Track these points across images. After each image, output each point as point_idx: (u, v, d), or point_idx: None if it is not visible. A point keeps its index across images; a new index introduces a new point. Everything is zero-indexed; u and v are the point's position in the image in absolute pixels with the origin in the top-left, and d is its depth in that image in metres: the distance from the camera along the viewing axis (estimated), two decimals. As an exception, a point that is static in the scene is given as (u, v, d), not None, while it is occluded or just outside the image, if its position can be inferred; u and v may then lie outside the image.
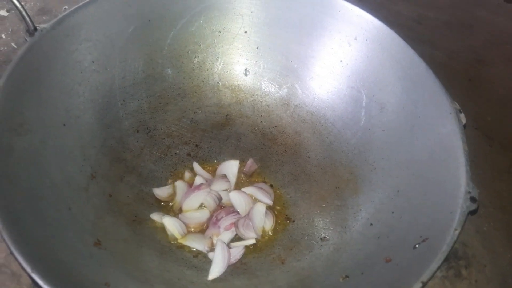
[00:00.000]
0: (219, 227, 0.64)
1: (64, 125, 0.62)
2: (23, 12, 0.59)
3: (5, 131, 0.52)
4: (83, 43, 0.65)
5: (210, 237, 0.64)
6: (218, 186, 0.68)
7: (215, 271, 0.59)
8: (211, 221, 0.65)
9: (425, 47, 1.08)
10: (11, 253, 0.42)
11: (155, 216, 0.65)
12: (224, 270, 0.60)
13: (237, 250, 0.62)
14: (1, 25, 1.01)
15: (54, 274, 0.44)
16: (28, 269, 0.41)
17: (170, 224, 0.63)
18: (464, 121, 0.58)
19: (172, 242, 0.63)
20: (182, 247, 0.63)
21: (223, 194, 0.67)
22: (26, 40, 0.59)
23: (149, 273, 0.56)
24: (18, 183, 0.51)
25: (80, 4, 0.65)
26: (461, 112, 0.59)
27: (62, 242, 0.51)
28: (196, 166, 0.71)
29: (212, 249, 0.62)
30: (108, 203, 0.63)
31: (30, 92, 0.58)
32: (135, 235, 0.62)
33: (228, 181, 0.69)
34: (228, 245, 0.63)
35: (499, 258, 0.68)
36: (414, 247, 0.52)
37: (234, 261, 0.61)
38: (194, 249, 0.62)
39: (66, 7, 1.05)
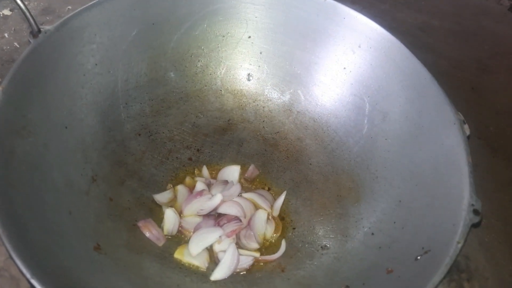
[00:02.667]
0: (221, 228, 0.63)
1: (66, 127, 0.62)
2: (27, 14, 0.59)
3: (7, 133, 0.52)
4: (87, 46, 0.65)
5: (208, 250, 0.63)
6: (219, 191, 0.67)
7: (220, 273, 0.59)
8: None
9: (428, 55, 1.07)
10: (11, 258, 0.42)
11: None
12: (228, 275, 0.59)
13: (246, 259, 0.62)
14: (4, 24, 1.01)
15: (54, 280, 0.44)
16: (28, 275, 0.41)
17: (169, 218, 0.64)
18: (468, 132, 0.58)
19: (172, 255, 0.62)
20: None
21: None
22: (29, 41, 0.59)
23: (149, 279, 0.56)
24: (19, 187, 0.50)
25: (84, 6, 0.64)
26: (465, 123, 0.58)
27: (62, 247, 0.51)
28: (205, 170, 0.71)
29: (211, 264, 0.62)
30: (108, 207, 0.62)
31: (32, 94, 0.57)
32: (135, 240, 0.61)
33: (228, 185, 0.69)
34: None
35: (502, 271, 0.67)
36: (416, 258, 0.51)
37: (240, 269, 0.61)
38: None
39: (70, 7, 1.05)
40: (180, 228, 0.65)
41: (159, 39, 0.73)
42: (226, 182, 0.69)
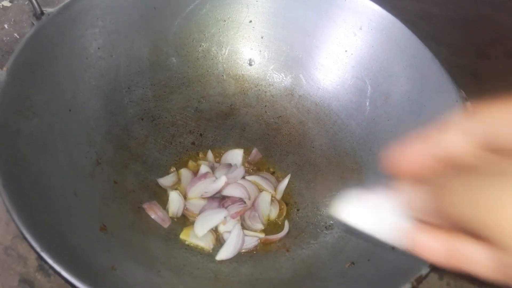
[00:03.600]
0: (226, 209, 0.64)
1: (70, 110, 0.62)
2: (30, -4, 0.59)
3: (13, 113, 0.52)
4: (89, 29, 0.65)
5: (214, 232, 0.63)
6: (223, 173, 0.68)
7: (226, 253, 0.59)
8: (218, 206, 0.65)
9: (428, 42, 1.07)
10: (20, 233, 0.42)
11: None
12: (233, 255, 0.60)
13: (251, 240, 0.62)
14: (4, 15, 1.00)
15: (63, 255, 0.44)
16: (38, 248, 0.41)
17: (174, 201, 0.64)
18: (470, 109, 0.58)
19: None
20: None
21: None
22: (32, 23, 0.59)
23: (155, 259, 0.56)
24: (26, 166, 0.51)
25: (87, -10, 0.64)
26: (467, 100, 0.59)
27: (69, 226, 0.51)
28: (209, 154, 0.72)
29: (216, 245, 0.62)
30: (113, 190, 0.63)
31: (36, 75, 0.57)
32: (140, 222, 0.62)
33: (232, 167, 0.69)
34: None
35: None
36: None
37: (245, 249, 0.62)
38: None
39: (69, -2, 1.05)
40: (185, 211, 0.65)
41: (160, 23, 0.73)
42: (229, 165, 0.70)
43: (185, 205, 0.65)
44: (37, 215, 0.47)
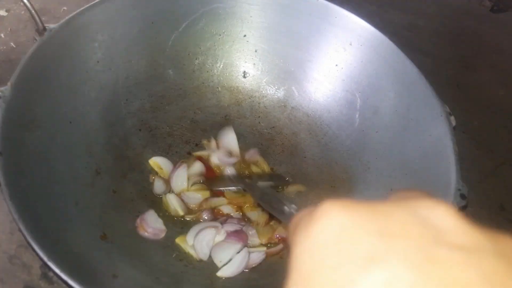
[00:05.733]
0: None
1: (71, 122, 0.64)
2: (33, 12, 0.61)
3: (18, 127, 0.54)
4: (89, 44, 0.67)
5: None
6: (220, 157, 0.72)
7: (229, 271, 0.61)
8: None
9: (415, 54, 1.11)
10: (27, 242, 0.44)
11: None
12: (237, 274, 0.61)
13: (258, 255, 0.63)
14: (0, 25, 1.02)
15: (67, 264, 0.46)
16: (45, 258, 0.43)
17: (172, 200, 0.67)
18: (454, 123, 0.61)
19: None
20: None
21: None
22: (35, 39, 0.61)
23: (154, 266, 0.58)
24: (30, 178, 0.53)
25: (87, 5, 0.67)
26: (451, 115, 0.62)
27: (72, 235, 0.54)
28: (213, 142, 0.76)
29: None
30: (112, 199, 0.65)
31: (39, 89, 0.60)
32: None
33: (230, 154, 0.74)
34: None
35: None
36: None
37: (254, 264, 0.63)
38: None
39: (65, 8, 1.06)
40: (185, 205, 0.68)
41: (158, 37, 0.76)
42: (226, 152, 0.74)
43: (183, 200, 0.68)
44: (41, 226, 0.49)
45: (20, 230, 0.44)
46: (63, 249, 0.49)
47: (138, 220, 0.64)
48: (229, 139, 0.76)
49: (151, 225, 0.64)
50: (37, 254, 0.43)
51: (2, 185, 0.46)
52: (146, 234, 0.63)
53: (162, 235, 0.65)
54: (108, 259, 0.55)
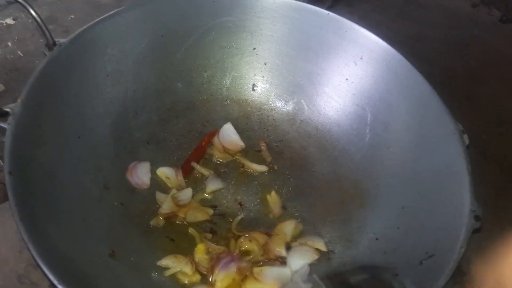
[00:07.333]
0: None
1: (79, 137, 0.63)
2: (43, 27, 0.60)
3: (27, 143, 0.54)
4: (99, 58, 0.67)
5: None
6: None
7: None
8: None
9: (423, 64, 1.10)
10: (37, 264, 0.43)
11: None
12: None
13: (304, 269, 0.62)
14: (8, 33, 1.01)
15: (77, 285, 0.45)
16: (55, 281, 0.42)
17: (161, 198, 0.68)
18: (467, 142, 0.61)
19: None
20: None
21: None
22: (45, 54, 0.61)
23: (163, 285, 0.58)
24: (39, 196, 0.52)
25: (97, 19, 0.66)
26: (464, 133, 0.61)
27: (80, 253, 0.53)
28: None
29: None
30: (120, 214, 0.64)
31: (48, 105, 0.59)
32: (146, 246, 0.63)
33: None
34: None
35: (501, 274, 0.70)
36: (421, 262, 0.54)
37: None
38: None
39: (73, 16, 1.06)
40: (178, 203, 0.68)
41: (167, 50, 0.75)
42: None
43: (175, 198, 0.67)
44: (51, 246, 0.48)
45: (29, 250, 0.44)
46: (71, 269, 0.49)
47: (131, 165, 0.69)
48: (230, 133, 0.76)
49: (137, 174, 0.69)
50: (47, 277, 0.43)
51: (12, 205, 0.46)
52: (131, 179, 0.68)
53: (144, 187, 0.69)
54: (116, 277, 0.55)
